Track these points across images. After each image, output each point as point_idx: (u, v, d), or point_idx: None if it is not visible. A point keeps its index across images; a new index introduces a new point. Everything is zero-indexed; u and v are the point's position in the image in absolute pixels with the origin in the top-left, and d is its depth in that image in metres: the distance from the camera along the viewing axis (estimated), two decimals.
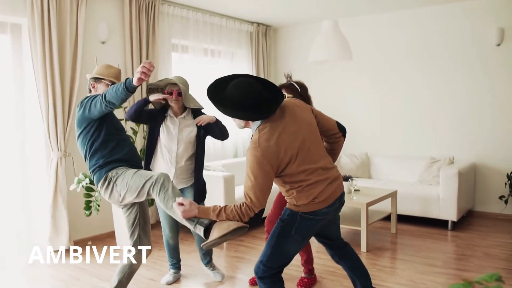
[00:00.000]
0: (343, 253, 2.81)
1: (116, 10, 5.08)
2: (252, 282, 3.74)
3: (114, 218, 4.63)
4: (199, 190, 3.55)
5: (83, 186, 4.10)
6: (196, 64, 6.01)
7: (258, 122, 2.38)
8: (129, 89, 2.55)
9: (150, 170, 3.49)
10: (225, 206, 2.33)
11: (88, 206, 4.11)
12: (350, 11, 6.18)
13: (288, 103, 2.50)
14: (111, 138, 2.91)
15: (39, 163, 4.55)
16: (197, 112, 3.58)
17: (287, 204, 2.51)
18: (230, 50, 6.64)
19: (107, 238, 4.93)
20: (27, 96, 4.49)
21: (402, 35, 6.15)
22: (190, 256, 4.34)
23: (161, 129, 3.50)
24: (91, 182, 4.09)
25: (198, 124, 3.48)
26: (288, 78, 3.44)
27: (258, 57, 7.07)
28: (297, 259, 4.01)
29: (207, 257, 3.83)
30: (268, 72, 7.26)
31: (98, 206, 4.13)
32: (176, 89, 3.45)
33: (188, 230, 3.79)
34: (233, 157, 6.56)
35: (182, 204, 2.41)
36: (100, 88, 3.01)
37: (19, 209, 4.51)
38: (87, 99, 2.86)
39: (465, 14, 5.68)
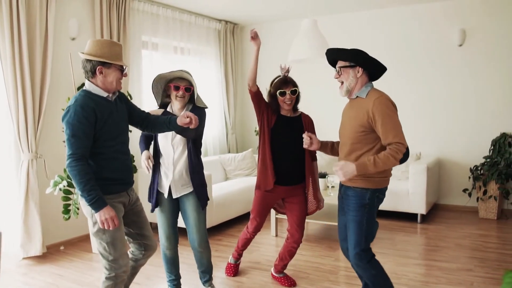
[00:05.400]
0: None
1: (87, 6, 4.89)
2: (229, 272, 3.84)
3: (88, 221, 4.46)
4: (202, 195, 3.11)
5: (60, 189, 3.90)
6: (166, 62, 5.91)
7: (368, 85, 2.72)
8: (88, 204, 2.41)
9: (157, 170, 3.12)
10: (377, 155, 2.52)
11: (66, 210, 3.93)
12: (318, 10, 6.28)
13: None
14: (103, 151, 2.43)
15: (8, 165, 4.30)
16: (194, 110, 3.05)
17: (360, 185, 2.65)
18: (199, 48, 6.57)
19: (80, 242, 4.75)
20: None
21: (369, 33, 6.32)
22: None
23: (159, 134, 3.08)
24: (69, 185, 3.92)
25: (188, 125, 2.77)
26: (286, 73, 3.35)
27: (226, 55, 7.04)
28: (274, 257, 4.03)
29: (206, 275, 3.36)
30: (236, 70, 7.24)
31: (77, 209, 3.94)
32: (183, 85, 2.99)
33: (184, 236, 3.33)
34: (204, 156, 6.51)
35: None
36: (110, 75, 2.40)
37: None
38: (70, 122, 2.30)
39: (428, 15, 5.92)
